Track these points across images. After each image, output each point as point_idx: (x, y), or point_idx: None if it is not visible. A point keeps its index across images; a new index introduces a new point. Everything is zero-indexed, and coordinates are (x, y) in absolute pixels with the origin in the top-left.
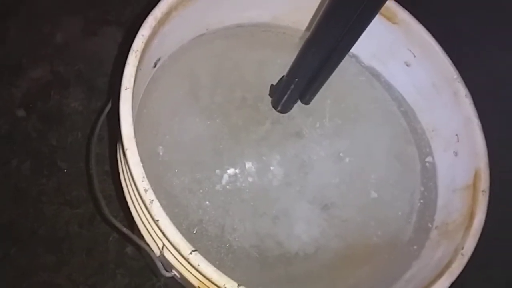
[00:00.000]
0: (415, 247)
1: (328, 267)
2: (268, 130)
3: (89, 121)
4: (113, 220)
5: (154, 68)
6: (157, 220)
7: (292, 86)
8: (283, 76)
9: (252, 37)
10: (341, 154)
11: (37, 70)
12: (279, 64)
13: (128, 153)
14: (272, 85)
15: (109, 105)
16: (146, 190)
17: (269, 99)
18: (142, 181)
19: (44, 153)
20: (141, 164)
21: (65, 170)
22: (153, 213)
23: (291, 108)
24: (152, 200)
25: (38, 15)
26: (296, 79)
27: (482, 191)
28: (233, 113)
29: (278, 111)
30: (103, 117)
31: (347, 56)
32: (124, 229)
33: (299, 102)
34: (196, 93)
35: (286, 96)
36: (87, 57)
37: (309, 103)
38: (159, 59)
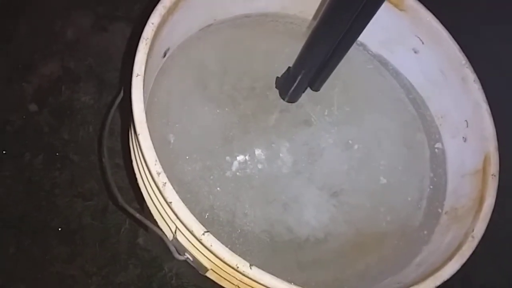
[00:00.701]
0: (425, 232)
1: (338, 253)
2: (277, 118)
3: (99, 115)
4: (127, 207)
5: (163, 57)
6: (170, 202)
7: (300, 76)
8: (289, 67)
9: (260, 26)
10: (349, 141)
11: (48, 66)
12: (287, 53)
13: (140, 137)
14: (277, 77)
15: (120, 97)
16: (159, 173)
17: None
18: (155, 165)
19: (56, 146)
20: (153, 148)
21: (77, 163)
22: (166, 195)
23: (299, 97)
24: (165, 182)
25: (49, 12)
26: (304, 69)
27: (492, 175)
28: (242, 102)
29: (287, 101)
30: (114, 108)
31: (354, 45)
32: (138, 215)
33: (307, 90)
34: (205, 82)
35: (294, 86)
36: (97, 52)
37: (319, 90)
38: (168, 49)
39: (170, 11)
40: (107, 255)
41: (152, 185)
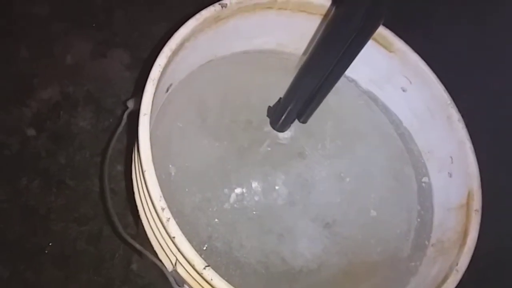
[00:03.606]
0: (413, 263)
1: (331, 283)
2: (272, 151)
3: (97, 140)
4: (128, 237)
5: (166, 92)
6: (174, 237)
7: (290, 107)
8: (280, 98)
9: (258, 62)
10: (342, 174)
11: (47, 91)
12: (282, 87)
13: (146, 174)
14: (269, 106)
15: (122, 126)
16: (163, 209)
17: None
18: (160, 201)
19: (53, 171)
20: (158, 185)
21: (73, 188)
22: (169, 230)
23: (288, 127)
24: (169, 218)
25: (49, 37)
26: (293, 100)
27: (475, 210)
28: (239, 135)
29: (276, 130)
30: (115, 137)
31: (346, 81)
32: (138, 245)
33: (296, 121)
34: (205, 115)
35: (284, 116)
36: (96, 78)
37: (306, 122)
38: (171, 85)
39: (175, 52)
40: (101, 281)
41: (155, 220)
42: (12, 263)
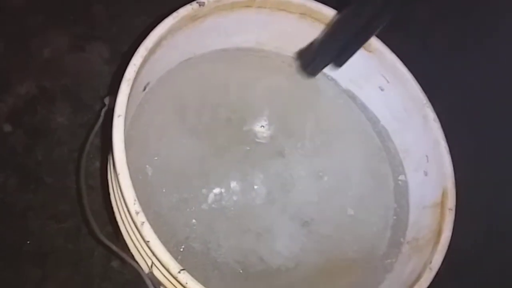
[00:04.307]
0: (388, 261)
1: (308, 281)
2: (251, 150)
3: (75, 135)
4: (104, 239)
5: (143, 91)
6: (148, 241)
7: (326, 48)
8: (315, 39)
9: (237, 60)
10: (320, 173)
11: (23, 86)
12: (262, 85)
13: (120, 177)
14: (301, 49)
15: (99, 123)
16: (137, 213)
17: (252, 119)
18: (134, 204)
19: (30, 168)
20: (133, 188)
21: (51, 185)
22: (143, 234)
23: (319, 72)
24: (143, 222)
25: (25, 31)
26: (333, 42)
27: (449, 209)
28: (218, 134)
29: (307, 73)
30: (93, 135)
31: (326, 80)
32: (114, 247)
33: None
34: (183, 114)
35: (318, 58)
36: (74, 72)
37: (341, 66)
38: (148, 83)
39: (152, 51)
40: (81, 278)
41: (130, 223)
42: None
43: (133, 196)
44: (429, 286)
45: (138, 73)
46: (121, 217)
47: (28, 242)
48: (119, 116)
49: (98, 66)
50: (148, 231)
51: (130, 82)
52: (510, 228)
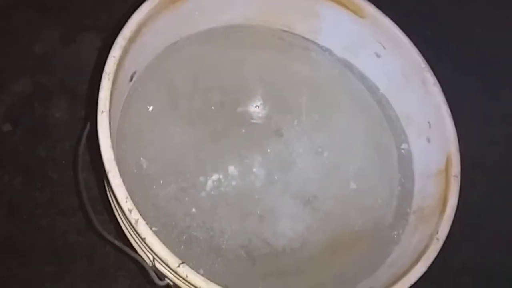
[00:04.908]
0: (395, 232)
1: (314, 259)
2: (247, 132)
3: (75, 130)
4: (107, 235)
5: (130, 81)
6: (144, 238)
7: None
8: None
9: (226, 39)
10: (319, 149)
11: (18, 83)
12: (253, 63)
13: (110, 175)
14: None
15: (87, 129)
16: (130, 210)
17: (246, 99)
18: (126, 202)
19: (34, 165)
20: (124, 186)
21: (56, 180)
22: (139, 231)
23: None
24: (137, 219)
25: (14, 27)
26: None
27: (454, 176)
28: (212, 118)
29: None
30: (83, 142)
31: (320, 50)
32: (117, 242)
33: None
34: (175, 100)
35: None
36: (68, 65)
37: None
38: (135, 72)
39: (132, 39)
40: (96, 270)
41: (125, 221)
42: (5, 262)
43: (125, 194)
44: (445, 247)
45: (120, 64)
46: (119, 214)
47: (40, 239)
48: (102, 112)
49: (91, 57)
50: (143, 228)
51: (111, 76)
52: None
